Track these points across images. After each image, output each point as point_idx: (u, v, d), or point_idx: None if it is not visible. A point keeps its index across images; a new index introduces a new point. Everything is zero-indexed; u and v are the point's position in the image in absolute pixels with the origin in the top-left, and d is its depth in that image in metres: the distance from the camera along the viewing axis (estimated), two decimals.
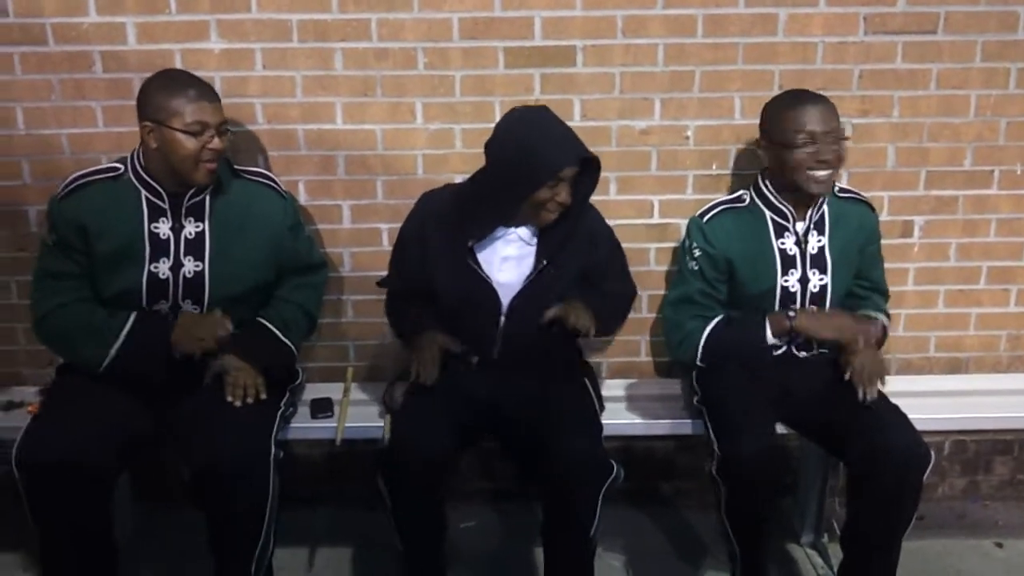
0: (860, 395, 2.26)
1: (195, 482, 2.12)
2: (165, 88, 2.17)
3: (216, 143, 2.19)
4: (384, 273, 2.54)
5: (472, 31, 2.52)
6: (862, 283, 2.53)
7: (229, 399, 2.20)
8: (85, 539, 2.13)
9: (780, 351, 2.45)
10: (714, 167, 2.66)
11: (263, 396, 2.24)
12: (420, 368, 2.27)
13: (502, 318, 2.33)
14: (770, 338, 2.37)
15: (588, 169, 2.26)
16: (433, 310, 2.38)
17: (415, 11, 2.50)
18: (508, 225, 2.31)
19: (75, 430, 2.08)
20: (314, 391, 2.60)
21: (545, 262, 2.30)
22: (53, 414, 2.18)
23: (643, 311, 2.78)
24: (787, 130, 2.29)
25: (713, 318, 2.42)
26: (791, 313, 2.36)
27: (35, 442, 2.07)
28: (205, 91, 2.20)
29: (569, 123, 2.51)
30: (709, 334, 2.40)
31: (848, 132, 2.49)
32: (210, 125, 2.17)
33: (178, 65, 2.50)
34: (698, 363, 2.43)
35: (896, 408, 2.28)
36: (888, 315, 2.56)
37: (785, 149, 2.30)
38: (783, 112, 2.32)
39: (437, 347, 2.31)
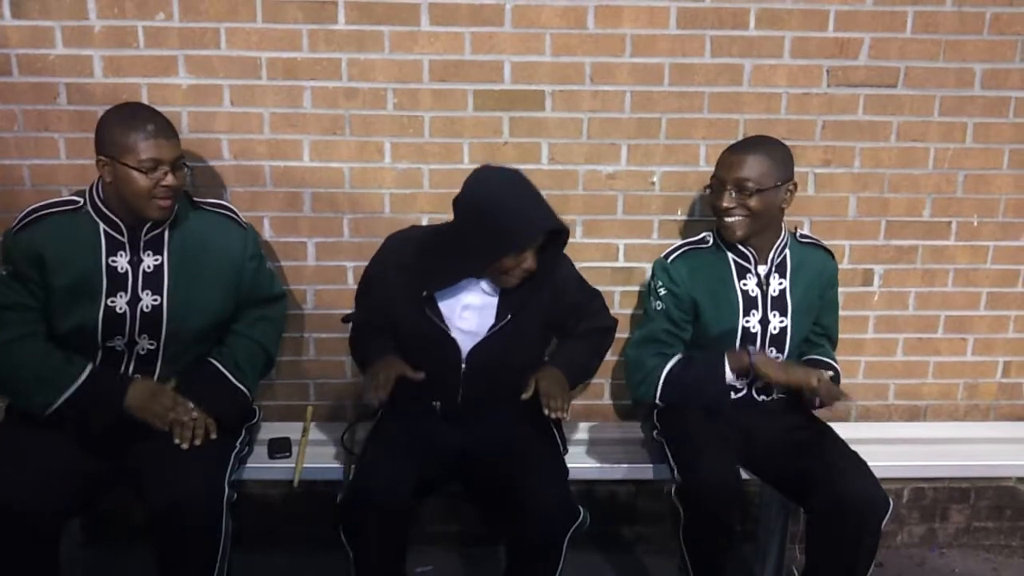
0: (817, 404, 2.37)
1: (148, 522, 2.07)
2: (119, 124, 2.14)
3: (170, 180, 2.15)
4: (346, 312, 2.52)
5: (442, 73, 2.54)
6: (815, 328, 2.55)
7: (177, 441, 2.14)
8: None
9: (740, 394, 2.46)
10: (679, 212, 2.69)
11: (213, 436, 2.19)
12: (371, 387, 2.17)
13: (463, 365, 2.30)
14: (729, 376, 2.38)
15: (557, 234, 2.24)
16: (396, 345, 2.36)
17: (386, 52, 2.51)
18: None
19: (23, 478, 2.02)
20: (272, 430, 2.56)
21: (509, 316, 2.28)
22: (2, 461, 2.11)
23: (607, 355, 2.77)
24: (714, 174, 2.39)
25: (674, 355, 2.43)
26: (751, 349, 2.37)
27: None
28: (160, 127, 2.15)
29: (537, 166, 2.57)
30: (669, 371, 2.40)
31: (806, 185, 2.53)
32: (164, 162, 2.14)
33: (144, 99, 2.48)
34: (657, 401, 2.43)
35: (855, 455, 2.29)
36: (836, 361, 2.57)
37: (709, 190, 2.41)
38: (720, 157, 2.40)
39: (394, 371, 2.22)
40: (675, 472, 2.29)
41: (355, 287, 2.53)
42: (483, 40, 2.52)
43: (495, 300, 2.30)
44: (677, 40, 2.55)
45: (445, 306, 2.29)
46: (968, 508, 3.05)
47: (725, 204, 2.33)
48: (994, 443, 2.73)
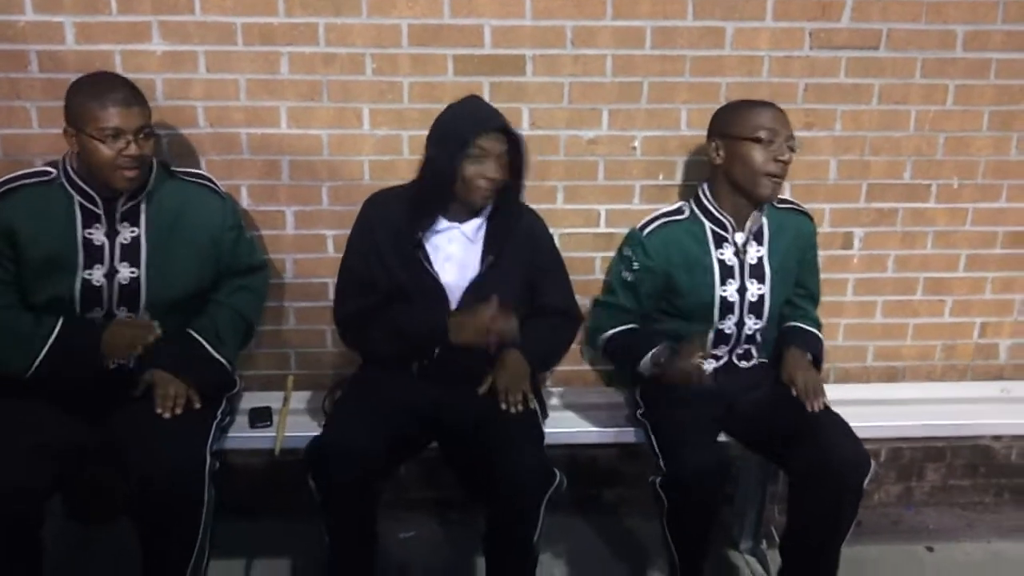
0: (809, 408, 2.30)
1: (130, 494, 2.07)
2: (82, 93, 2.10)
3: (132, 149, 2.10)
4: (325, 281, 2.50)
5: (421, 37, 2.50)
6: (798, 290, 2.57)
7: (158, 411, 2.14)
8: (14, 567, 2.07)
9: (722, 361, 2.48)
10: (660, 177, 2.68)
11: (196, 405, 2.19)
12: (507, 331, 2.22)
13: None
14: (646, 365, 2.36)
15: (515, 152, 2.28)
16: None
17: (364, 16, 2.47)
18: (450, 218, 2.31)
19: (4, 457, 2.00)
20: (253, 399, 2.56)
21: (492, 258, 2.30)
22: None
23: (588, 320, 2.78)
24: (752, 125, 2.30)
25: (625, 324, 2.48)
26: (662, 360, 2.32)
27: None
28: (123, 96, 2.10)
29: (519, 131, 2.52)
30: (610, 338, 2.49)
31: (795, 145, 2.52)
32: (125, 131, 2.09)
33: (118, 67, 2.43)
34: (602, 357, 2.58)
35: (837, 417, 2.31)
36: (819, 322, 2.61)
37: (746, 143, 2.30)
38: (749, 108, 2.34)
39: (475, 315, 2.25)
40: (660, 460, 2.29)
41: (334, 256, 2.51)
42: (462, 4, 2.48)
43: (475, 248, 2.32)
44: (659, 3, 2.52)
45: (431, 255, 2.30)
46: (944, 467, 3.10)
47: (785, 157, 2.30)
48: (970, 403, 2.77)
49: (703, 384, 2.25)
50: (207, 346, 2.30)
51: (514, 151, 2.26)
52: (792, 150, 2.31)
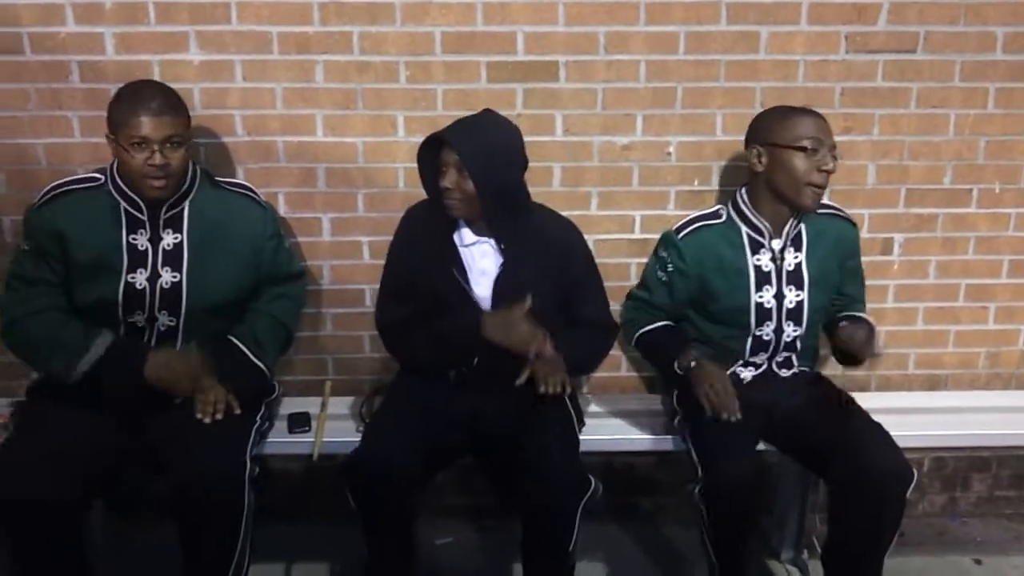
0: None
1: (172, 497, 2.09)
2: (117, 101, 2.15)
3: (157, 159, 2.12)
4: (362, 287, 2.51)
5: (455, 45, 2.51)
6: (841, 299, 2.53)
7: (199, 416, 2.17)
8: (57, 571, 2.10)
9: (761, 369, 2.45)
10: (696, 183, 2.67)
11: (236, 411, 2.22)
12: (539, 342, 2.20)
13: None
14: (676, 367, 2.36)
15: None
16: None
17: (397, 24, 2.49)
18: (476, 231, 2.31)
19: (45, 464, 2.03)
20: (292, 405, 2.57)
21: (503, 261, 2.29)
22: (22, 445, 2.12)
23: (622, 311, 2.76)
24: (796, 134, 2.26)
25: (659, 320, 2.48)
26: (693, 364, 2.33)
27: (3, 476, 2.01)
28: (153, 105, 2.11)
29: (551, 138, 2.56)
30: (644, 334, 2.49)
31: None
32: (152, 140, 2.11)
33: (156, 76, 2.47)
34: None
35: (878, 426, 2.27)
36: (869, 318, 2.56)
37: (790, 152, 2.26)
38: (791, 118, 2.29)
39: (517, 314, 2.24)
40: (698, 470, 2.27)
41: (371, 262, 2.53)
42: (495, 11, 2.49)
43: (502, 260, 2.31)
44: (692, 7, 2.51)
45: (467, 270, 2.31)
46: (990, 477, 3.04)
47: (829, 166, 2.26)
48: (1016, 412, 2.71)
49: (728, 415, 2.25)
50: (247, 353, 2.32)
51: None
52: (836, 159, 2.28)
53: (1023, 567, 2.77)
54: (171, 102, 2.16)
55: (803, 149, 2.25)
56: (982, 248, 2.78)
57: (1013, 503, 3.06)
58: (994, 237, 2.77)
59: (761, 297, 2.39)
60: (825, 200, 2.55)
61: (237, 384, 2.26)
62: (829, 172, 2.27)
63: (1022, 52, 2.59)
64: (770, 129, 2.32)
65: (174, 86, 2.30)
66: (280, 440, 2.42)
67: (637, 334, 2.50)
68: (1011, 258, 2.79)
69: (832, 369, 2.68)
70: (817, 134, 2.25)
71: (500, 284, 2.31)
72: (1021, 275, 2.81)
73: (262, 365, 2.35)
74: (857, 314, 2.48)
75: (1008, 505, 3.06)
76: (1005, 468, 3.02)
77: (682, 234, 2.42)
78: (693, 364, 2.34)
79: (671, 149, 2.63)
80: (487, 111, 2.27)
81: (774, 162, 2.30)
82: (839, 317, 2.46)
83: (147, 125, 2.10)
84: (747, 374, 2.46)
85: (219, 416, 2.18)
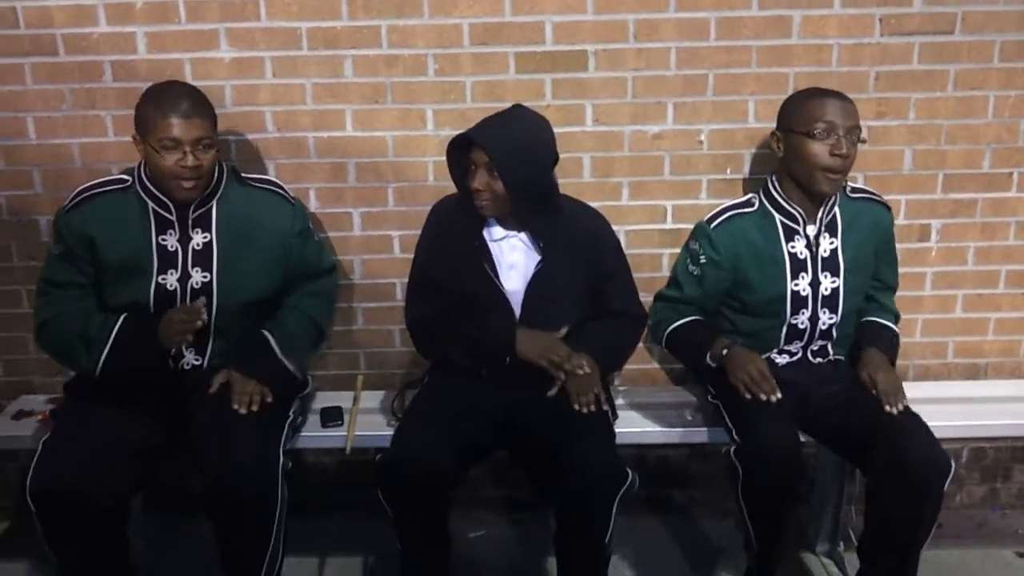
0: (889, 409, 2.23)
1: (206, 492, 2.11)
2: (147, 103, 2.15)
3: (189, 160, 2.13)
4: (393, 281, 2.51)
5: (483, 36, 2.50)
6: (875, 283, 2.50)
7: (235, 407, 2.18)
8: (101, 565, 2.14)
9: (795, 357, 2.43)
10: (728, 171, 2.64)
11: (269, 399, 2.23)
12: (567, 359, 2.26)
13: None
14: (708, 359, 2.35)
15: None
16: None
17: (425, 17, 2.48)
18: (506, 226, 2.31)
19: (86, 460, 2.06)
20: (324, 399, 2.59)
21: (540, 262, 2.29)
22: (63, 441, 2.15)
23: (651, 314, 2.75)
24: (808, 118, 2.25)
25: (688, 316, 2.46)
26: (725, 352, 2.32)
27: (46, 473, 2.05)
28: (183, 106, 2.12)
29: (581, 128, 2.54)
30: (673, 330, 2.47)
31: (863, 136, 2.45)
32: (182, 142, 2.12)
33: (188, 75, 2.50)
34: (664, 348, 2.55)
35: (916, 416, 2.24)
36: (897, 314, 2.53)
37: (802, 138, 2.25)
38: (806, 101, 2.28)
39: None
40: (733, 433, 2.26)
41: (401, 256, 2.54)
42: (523, 1, 2.47)
43: (535, 255, 2.30)
44: None
45: (497, 264, 2.31)
46: None
47: (844, 151, 2.23)
48: None
49: (767, 395, 2.23)
50: (277, 351, 2.32)
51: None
52: (856, 143, 2.24)
53: None
54: (200, 104, 2.18)
55: (812, 134, 2.23)
56: (1022, 234, 2.72)
57: None
58: None
59: (797, 285, 2.36)
60: (860, 184, 2.53)
61: (269, 381, 2.28)
62: (843, 156, 2.23)
63: None
64: (786, 114, 2.32)
65: (205, 84, 2.32)
66: (313, 434, 2.44)
67: (666, 332, 2.48)
68: None
69: None
70: (831, 117, 2.22)
71: (535, 282, 2.30)
72: None
73: (291, 366, 2.35)
74: (877, 320, 2.47)
75: None
76: None
77: (714, 224, 2.40)
78: (725, 352, 2.32)
79: (703, 137, 2.61)
80: (517, 106, 2.26)
81: (789, 148, 2.30)
82: (862, 324, 2.46)
83: (177, 127, 2.12)
84: (782, 360, 2.44)
85: (255, 407, 2.19)
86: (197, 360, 2.33)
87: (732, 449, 2.23)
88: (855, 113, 2.26)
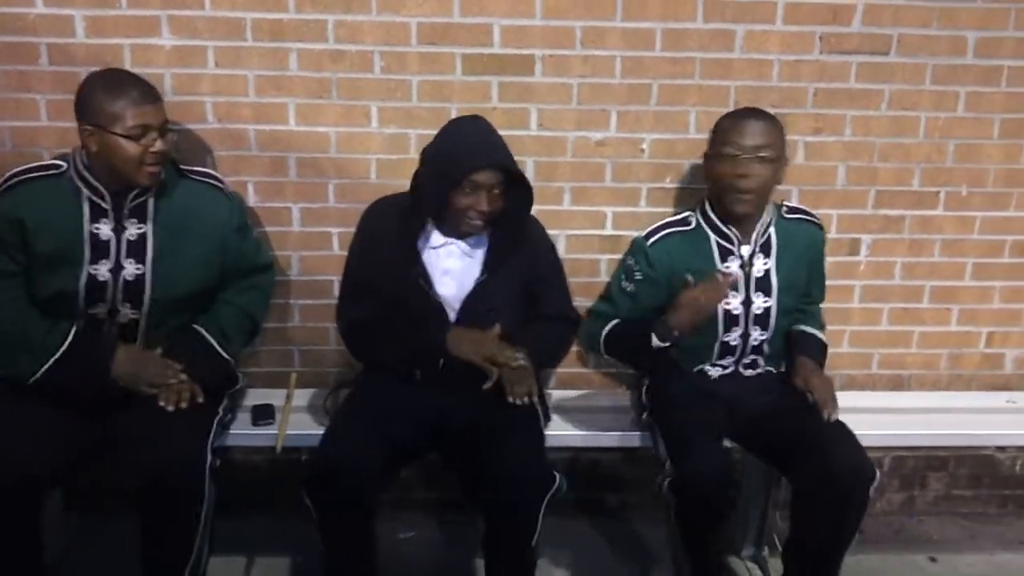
0: (826, 417, 2.28)
1: (131, 489, 2.06)
2: (104, 90, 2.09)
3: (159, 145, 2.13)
4: (330, 278, 2.49)
5: (430, 36, 2.49)
6: (808, 297, 2.55)
7: (162, 404, 2.14)
8: (13, 559, 2.08)
9: (727, 370, 2.47)
10: (668, 180, 2.67)
11: (199, 399, 2.19)
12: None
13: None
14: (655, 341, 2.32)
15: (519, 187, 2.25)
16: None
17: (373, 14, 2.47)
18: (446, 232, 2.30)
19: (6, 447, 2.01)
20: (256, 396, 2.56)
21: (485, 275, 2.29)
22: None
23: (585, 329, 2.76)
24: (717, 139, 2.32)
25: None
26: (674, 331, 2.29)
27: None
28: (146, 92, 2.12)
29: (525, 132, 2.54)
30: (607, 335, 2.47)
31: (796, 154, 2.49)
32: (152, 127, 2.11)
33: (127, 61, 2.44)
34: (605, 357, 2.55)
35: (842, 425, 2.30)
36: (823, 324, 2.59)
37: (711, 159, 2.33)
38: (722, 123, 2.33)
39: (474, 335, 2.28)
40: (667, 464, 2.27)
41: (340, 253, 2.51)
42: (472, 2, 2.47)
43: (474, 262, 2.31)
44: (669, 4, 2.51)
45: (429, 269, 2.29)
46: (947, 476, 3.09)
47: (745, 172, 2.26)
48: (974, 413, 2.75)
49: (728, 289, 2.25)
50: (212, 342, 2.30)
51: (510, 182, 2.23)
52: (769, 163, 2.26)
53: (977, 565, 2.82)
54: (154, 89, 2.16)
55: (719, 155, 2.30)
56: (947, 251, 2.81)
57: (969, 502, 3.11)
58: (960, 240, 2.80)
59: (729, 304, 2.39)
60: (794, 202, 2.59)
61: (201, 374, 2.24)
62: (742, 176, 2.27)
63: (992, 57, 2.61)
64: (712, 133, 2.38)
65: (145, 71, 2.28)
66: (244, 432, 2.41)
67: (602, 337, 2.48)
68: (975, 261, 2.83)
69: None
70: (736, 138, 2.27)
71: (476, 290, 2.30)
72: (984, 278, 2.85)
73: (227, 355, 2.32)
74: (806, 330, 2.52)
75: (964, 504, 3.11)
76: (962, 468, 3.07)
77: (651, 240, 2.43)
78: (667, 321, 2.29)
79: (644, 146, 2.64)
80: (481, 119, 2.25)
81: (707, 168, 2.37)
82: (791, 332, 2.51)
83: (150, 113, 2.10)
84: (714, 372, 2.47)
85: (183, 405, 2.15)
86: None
87: (666, 481, 2.25)
88: (767, 133, 2.27)
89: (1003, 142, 2.70)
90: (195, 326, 2.31)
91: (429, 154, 2.24)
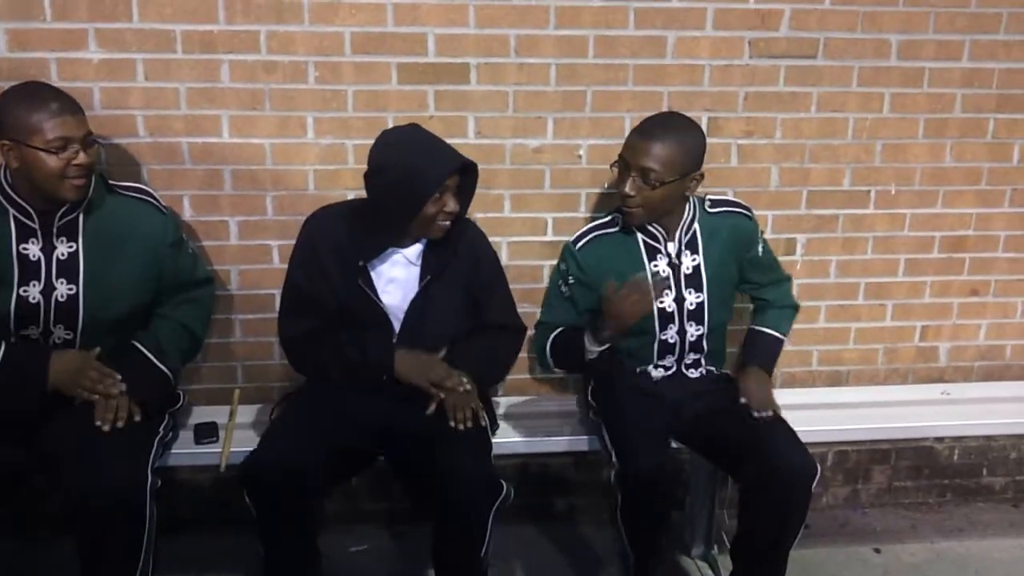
0: (756, 415, 2.31)
1: (67, 513, 2.00)
2: (21, 103, 2.04)
3: (82, 158, 2.07)
4: (272, 292, 2.47)
5: (365, 46, 2.49)
6: (747, 286, 2.56)
7: (98, 423, 2.07)
8: None
9: (670, 371, 2.49)
10: (606, 185, 2.69)
11: (136, 418, 2.13)
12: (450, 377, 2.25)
13: (394, 339, 2.30)
14: (595, 350, 2.34)
15: (466, 175, 2.26)
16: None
17: (305, 24, 2.45)
18: (400, 245, 2.29)
19: None
20: (200, 415, 2.52)
21: (428, 277, 2.29)
22: None
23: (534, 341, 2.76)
24: (621, 153, 2.34)
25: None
26: (607, 333, 2.31)
27: None
28: (66, 104, 2.07)
29: (463, 140, 2.54)
30: (551, 345, 2.48)
31: (729, 157, 2.52)
32: (74, 139, 2.06)
33: (53, 75, 2.39)
34: (555, 369, 2.56)
35: (783, 422, 2.33)
36: (793, 306, 2.62)
37: (615, 168, 2.36)
38: (628, 136, 2.36)
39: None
40: (613, 457, 2.29)
41: (280, 266, 2.48)
42: (406, 12, 2.47)
43: (417, 270, 2.29)
44: (601, 12, 2.54)
45: (374, 279, 2.28)
46: (889, 468, 3.15)
47: (628, 191, 2.30)
48: (912, 405, 2.81)
49: (662, 289, 2.29)
50: (151, 356, 2.25)
51: (466, 177, 2.25)
52: (652, 185, 2.26)
53: (919, 554, 2.88)
54: (74, 101, 2.11)
55: (616, 166, 2.34)
56: (880, 248, 2.88)
57: (910, 493, 3.18)
58: (891, 237, 2.87)
59: (663, 302, 2.41)
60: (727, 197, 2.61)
61: (140, 391, 2.18)
62: (625, 195, 2.30)
63: (915, 59, 2.69)
64: None
65: (72, 86, 2.24)
66: (187, 451, 2.36)
67: (547, 348, 2.49)
68: (907, 257, 2.90)
69: None
70: (625, 154, 2.31)
71: (419, 298, 2.29)
72: (916, 274, 2.92)
73: (166, 370, 2.27)
74: (760, 330, 2.55)
75: (905, 495, 3.18)
76: (903, 459, 3.14)
77: (579, 244, 2.45)
78: (600, 325, 2.31)
79: (581, 152, 2.66)
80: (416, 126, 2.24)
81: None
82: (747, 332, 2.55)
83: (68, 124, 2.05)
84: (657, 374, 2.50)
85: (120, 424, 2.09)
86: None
87: (612, 474, 2.27)
88: (656, 157, 2.26)
89: (928, 141, 2.78)
90: (133, 342, 2.25)
91: (387, 179, 2.17)
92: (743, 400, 2.36)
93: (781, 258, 2.79)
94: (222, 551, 2.70)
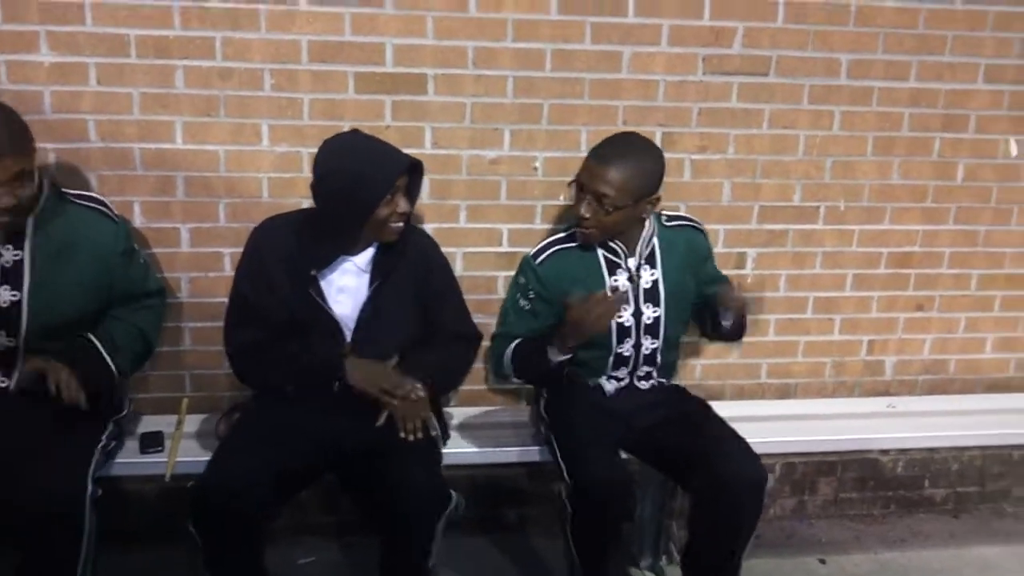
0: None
1: (2, 521, 1.96)
2: None
3: (4, 201, 2.00)
4: (222, 300, 2.44)
5: (322, 54, 2.48)
6: (707, 297, 2.55)
7: (53, 390, 2.02)
8: None
9: (622, 383, 2.51)
10: (562, 198, 2.71)
11: (83, 405, 2.07)
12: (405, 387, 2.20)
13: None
14: (557, 360, 2.35)
15: (413, 174, 2.26)
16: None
17: (262, 32, 2.44)
18: (350, 253, 2.28)
19: None
20: (146, 423, 2.49)
21: (378, 281, 2.27)
22: None
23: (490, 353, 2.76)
24: (579, 173, 2.36)
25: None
26: (569, 343, 2.32)
27: None
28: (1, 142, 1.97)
29: (420, 150, 2.55)
30: (511, 356, 2.47)
31: (683, 172, 2.54)
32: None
33: (3, 78, 2.35)
34: (516, 379, 2.54)
35: (734, 433, 2.36)
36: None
37: (573, 187, 2.37)
38: (586, 159, 2.36)
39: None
40: (564, 472, 2.29)
41: (232, 274, 2.46)
42: (364, 21, 2.47)
43: (367, 278, 2.28)
44: (558, 25, 2.56)
45: (324, 288, 2.26)
46: (835, 480, 3.19)
47: (582, 213, 2.32)
48: (859, 418, 2.87)
49: (617, 308, 2.29)
50: (102, 350, 2.20)
51: (414, 176, 2.26)
52: (605, 209, 2.28)
53: (863, 564, 2.92)
54: (13, 135, 2.01)
55: (573, 184, 2.36)
56: (828, 263, 2.93)
57: (855, 504, 3.23)
58: (839, 252, 2.92)
59: (621, 317, 2.43)
60: (681, 213, 2.65)
61: (86, 374, 2.11)
62: (580, 216, 2.33)
63: (864, 78, 2.75)
64: None
65: (22, 88, 2.20)
66: (132, 461, 2.33)
67: (506, 359, 2.49)
68: (854, 272, 2.95)
69: (689, 380, 2.78)
70: (581, 177, 2.33)
71: (368, 306, 2.28)
72: (863, 288, 2.98)
73: (113, 366, 2.23)
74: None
75: (851, 506, 3.23)
76: (849, 472, 3.19)
77: (540, 259, 2.46)
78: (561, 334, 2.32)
79: (537, 164, 2.67)
80: (357, 131, 2.24)
81: None
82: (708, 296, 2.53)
83: None
84: (610, 387, 2.51)
85: (71, 399, 2.04)
86: (3, 382, 2.18)
87: (563, 489, 2.27)
88: (613, 180, 2.27)
89: (876, 159, 2.84)
90: (87, 335, 2.21)
91: (335, 186, 2.14)
92: (720, 307, 2.38)
93: (732, 272, 2.84)
94: (168, 564, 2.65)
